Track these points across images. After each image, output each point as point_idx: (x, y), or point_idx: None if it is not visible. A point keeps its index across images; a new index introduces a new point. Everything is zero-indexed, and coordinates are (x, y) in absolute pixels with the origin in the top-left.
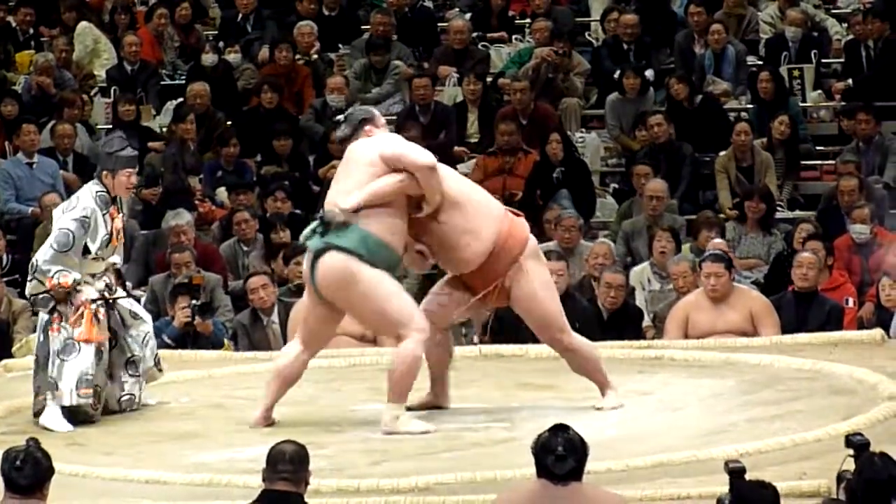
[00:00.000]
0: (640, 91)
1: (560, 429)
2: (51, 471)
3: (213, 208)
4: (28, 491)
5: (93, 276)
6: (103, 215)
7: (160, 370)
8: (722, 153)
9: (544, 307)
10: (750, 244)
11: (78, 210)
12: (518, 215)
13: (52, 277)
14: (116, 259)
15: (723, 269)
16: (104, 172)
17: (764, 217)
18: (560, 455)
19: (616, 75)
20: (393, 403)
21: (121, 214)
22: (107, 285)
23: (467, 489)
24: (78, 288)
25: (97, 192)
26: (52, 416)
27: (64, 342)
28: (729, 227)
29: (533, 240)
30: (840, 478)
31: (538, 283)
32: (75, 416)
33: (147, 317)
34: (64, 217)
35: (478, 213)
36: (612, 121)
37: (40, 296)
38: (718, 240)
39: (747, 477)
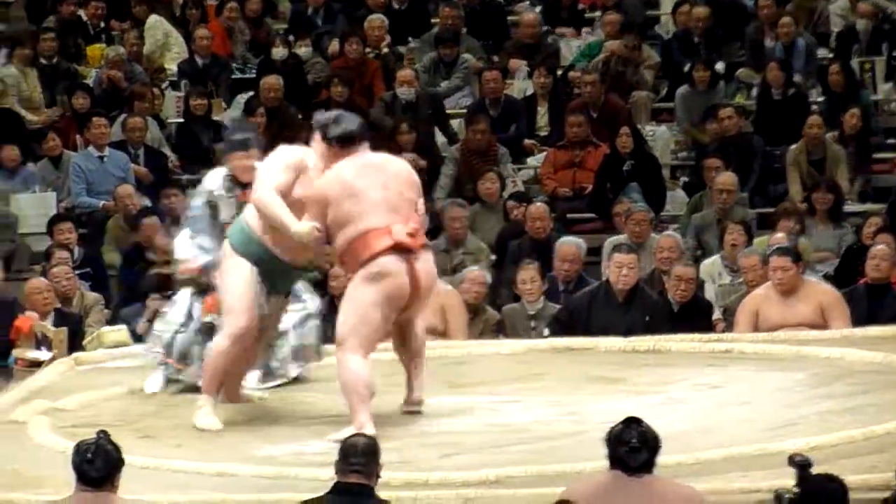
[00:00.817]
0: (710, 84)
1: (634, 421)
2: (121, 462)
3: None
4: (99, 483)
5: None
6: (229, 198)
7: (317, 353)
8: (793, 146)
9: (341, 314)
10: (820, 237)
11: (201, 194)
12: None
13: (184, 262)
14: None
15: (790, 262)
16: (225, 156)
17: (832, 209)
18: (634, 447)
19: (686, 68)
20: (202, 395)
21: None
22: None
23: (537, 482)
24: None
25: (224, 175)
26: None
27: (202, 323)
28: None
29: (377, 264)
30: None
31: (350, 292)
32: None
33: (310, 298)
34: (192, 201)
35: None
36: (682, 113)
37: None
38: (780, 234)
39: (816, 470)
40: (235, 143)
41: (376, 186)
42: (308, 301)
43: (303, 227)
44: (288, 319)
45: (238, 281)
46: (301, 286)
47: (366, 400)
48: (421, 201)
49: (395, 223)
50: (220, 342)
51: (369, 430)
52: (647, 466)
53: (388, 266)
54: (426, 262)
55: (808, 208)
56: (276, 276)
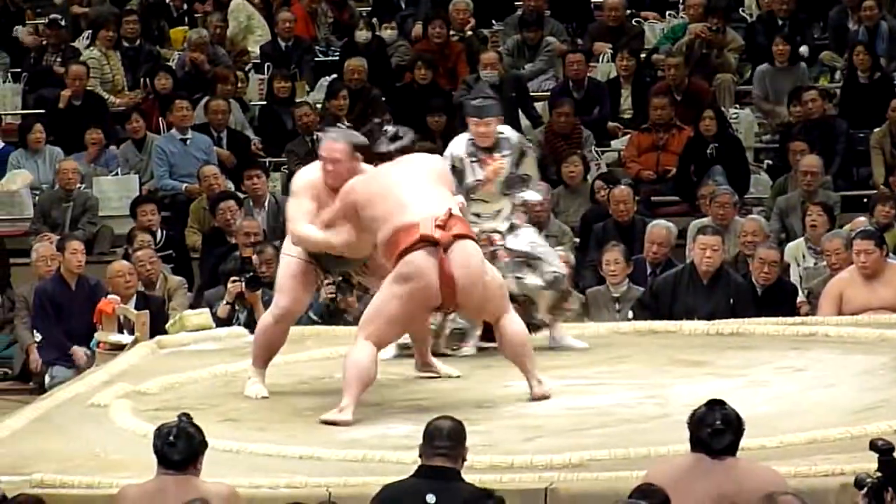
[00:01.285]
0: (791, 61)
1: (717, 403)
2: (204, 445)
3: None
4: (182, 465)
5: (477, 215)
6: (472, 162)
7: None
8: (877, 129)
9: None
10: None
11: (446, 159)
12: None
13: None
14: (529, 196)
15: (873, 245)
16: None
17: None
18: (718, 429)
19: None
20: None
21: (501, 157)
22: (495, 229)
23: (620, 465)
24: None
25: (468, 139)
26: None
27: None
28: None
29: (405, 262)
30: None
31: (382, 285)
32: None
33: (550, 256)
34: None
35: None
36: (760, 91)
37: None
38: (862, 218)
39: None
40: (470, 109)
41: (404, 183)
42: (549, 259)
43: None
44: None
45: (287, 270)
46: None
47: (354, 386)
48: (459, 196)
49: (425, 218)
50: (264, 319)
51: (346, 415)
52: (731, 449)
53: (415, 262)
54: (461, 254)
55: (890, 192)
56: (330, 262)
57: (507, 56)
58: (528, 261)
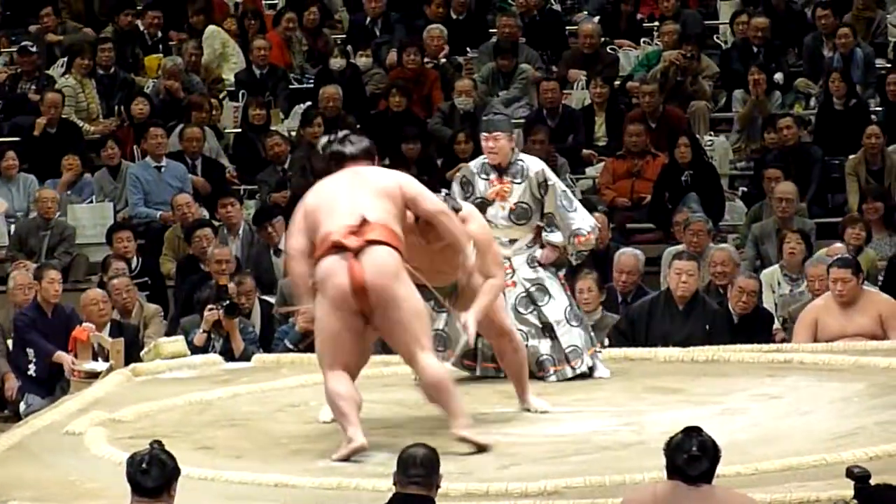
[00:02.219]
0: (767, 92)
1: (693, 430)
2: (177, 471)
3: None
4: (156, 493)
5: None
6: (482, 178)
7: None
8: (852, 156)
9: None
10: (876, 246)
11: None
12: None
13: None
14: (553, 238)
15: (850, 274)
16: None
17: (885, 217)
18: (694, 455)
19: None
20: None
21: (511, 182)
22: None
23: (596, 493)
24: None
25: (483, 158)
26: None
27: None
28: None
29: (319, 268)
30: None
31: None
32: None
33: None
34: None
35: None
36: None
37: None
38: (839, 244)
39: (876, 481)
40: (481, 124)
41: (341, 194)
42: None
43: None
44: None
45: None
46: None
47: (347, 414)
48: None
49: (341, 226)
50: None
51: (356, 442)
52: (707, 476)
53: (323, 266)
54: (371, 257)
55: (884, 216)
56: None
57: (482, 83)
58: (545, 328)
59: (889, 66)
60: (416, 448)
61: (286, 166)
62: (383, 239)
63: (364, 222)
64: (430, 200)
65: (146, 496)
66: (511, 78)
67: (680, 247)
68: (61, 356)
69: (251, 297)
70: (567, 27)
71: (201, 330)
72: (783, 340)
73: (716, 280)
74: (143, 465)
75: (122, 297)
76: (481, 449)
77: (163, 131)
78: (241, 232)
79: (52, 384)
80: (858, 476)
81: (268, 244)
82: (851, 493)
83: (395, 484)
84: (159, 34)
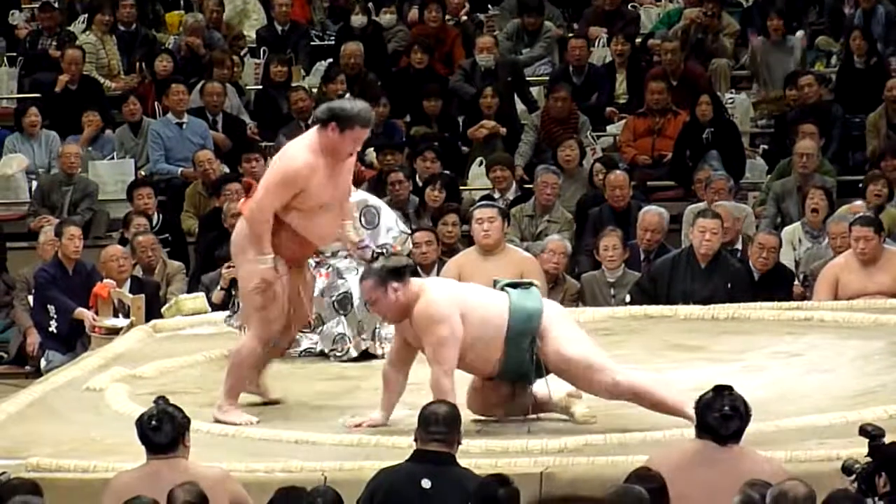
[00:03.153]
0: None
1: (725, 389)
2: (187, 421)
3: (362, 168)
4: (171, 447)
5: None
6: None
7: None
8: (872, 114)
9: None
10: None
11: None
12: None
13: None
14: None
15: (872, 232)
16: None
17: None
18: (726, 414)
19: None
20: None
21: None
22: None
23: (616, 450)
24: None
25: None
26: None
27: None
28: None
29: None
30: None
31: None
32: None
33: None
34: None
35: None
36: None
37: None
38: (859, 202)
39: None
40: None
41: None
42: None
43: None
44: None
45: None
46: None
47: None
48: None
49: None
50: None
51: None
52: (737, 436)
53: None
54: None
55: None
56: None
57: (506, 41)
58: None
59: None
60: (438, 405)
61: (309, 122)
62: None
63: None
64: (255, 194)
65: (162, 452)
66: (536, 36)
67: (702, 204)
68: (82, 312)
69: None
70: None
71: (220, 287)
72: (803, 297)
73: (641, 245)
74: (154, 423)
75: (146, 254)
76: None
77: (184, 88)
78: None
79: (72, 340)
80: (872, 434)
81: None
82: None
83: (415, 441)
84: None
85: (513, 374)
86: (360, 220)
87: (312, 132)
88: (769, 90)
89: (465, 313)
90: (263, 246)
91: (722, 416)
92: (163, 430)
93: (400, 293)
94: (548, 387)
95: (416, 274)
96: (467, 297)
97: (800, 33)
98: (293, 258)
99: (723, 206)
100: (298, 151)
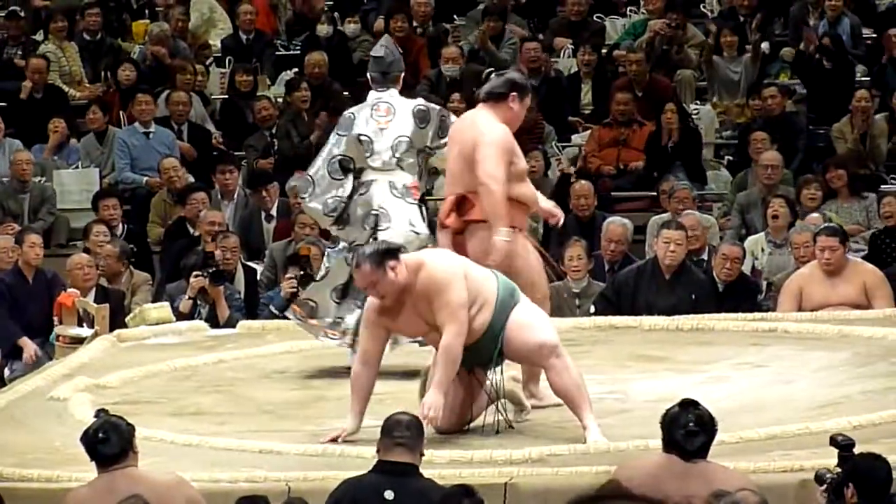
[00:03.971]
0: (739, 52)
1: (690, 404)
2: (132, 428)
3: None
4: (122, 457)
5: None
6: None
7: None
8: (836, 123)
9: None
10: (847, 213)
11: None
12: None
13: None
14: None
15: (837, 242)
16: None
17: (850, 184)
18: (691, 430)
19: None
20: None
21: None
22: None
23: (580, 460)
24: None
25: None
26: None
27: None
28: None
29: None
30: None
31: None
32: None
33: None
34: None
35: None
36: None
37: None
38: (815, 214)
39: (860, 450)
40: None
41: (451, 152)
42: None
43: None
44: None
45: None
46: None
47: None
48: (476, 168)
49: (450, 195)
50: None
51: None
52: (704, 450)
53: (440, 241)
54: (470, 240)
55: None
56: None
57: (470, 50)
58: None
59: (875, 36)
60: (402, 414)
61: (274, 131)
62: (482, 218)
63: (460, 199)
64: (483, 166)
65: (113, 463)
66: (499, 42)
67: (667, 215)
68: (25, 342)
69: (234, 255)
70: None
71: (187, 296)
72: (767, 309)
73: (606, 256)
74: (101, 435)
75: (112, 263)
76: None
77: (150, 97)
78: (235, 197)
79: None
80: (843, 444)
81: (260, 209)
82: (835, 461)
83: (378, 451)
84: None
85: (484, 350)
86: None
87: (481, 112)
88: (724, 100)
89: (466, 276)
90: (507, 220)
91: (687, 432)
92: (110, 440)
93: (398, 270)
94: (500, 378)
95: None
96: (465, 263)
97: (764, 44)
98: (521, 225)
99: (692, 216)
100: (492, 125)
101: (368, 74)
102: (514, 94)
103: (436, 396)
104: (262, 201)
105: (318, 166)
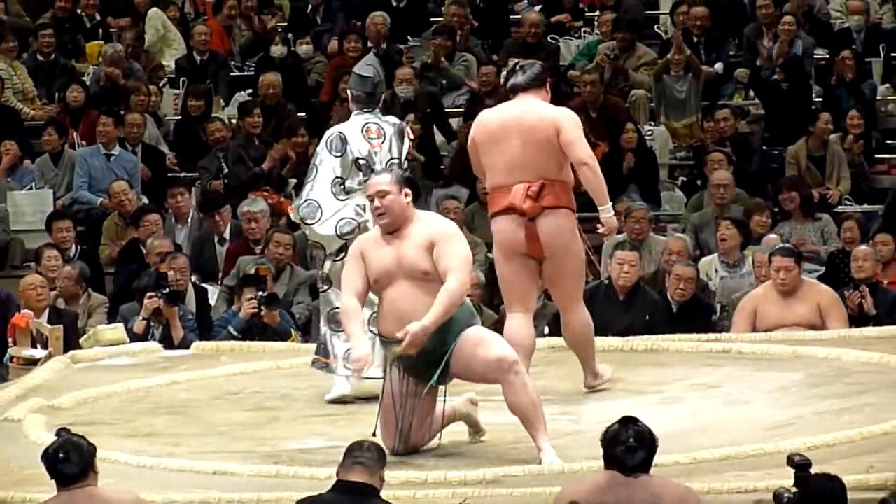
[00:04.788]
0: (686, 70)
1: (630, 421)
2: (94, 448)
3: (282, 199)
4: (82, 476)
5: None
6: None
7: None
8: (792, 146)
9: None
10: (801, 234)
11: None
12: None
13: None
14: None
15: (793, 263)
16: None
17: (803, 205)
18: (631, 446)
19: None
20: None
21: None
22: None
23: (534, 481)
24: None
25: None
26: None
27: None
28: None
29: (494, 224)
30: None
31: None
32: None
33: None
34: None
35: None
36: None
37: None
38: (773, 235)
39: (814, 470)
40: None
41: (508, 142)
42: None
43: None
44: None
45: None
46: None
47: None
48: (574, 152)
49: (518, 183)
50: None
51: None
52: (645, 466)
53: (501, 226)
54: (547, 224)
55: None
56: None
57: (424, 70)
58: None
59: (827, 57)
60: (365, 441)
61: (227, 153)
62: (557, 203)
63: (541, 186)
64: (581, 147)
65: (73, 482)
66: (450, 61)
67: (621, 236)
68: None
69: (185, 276)
70: (511, 16)
71: (141, 317)
72: (721, 330)
73: (668, 268)
74: (62, 454)
75: (70, 285)
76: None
77: (111, 119)
78: (189, 220)
79: None
80: (799, 464)
81: (213, 232)
82: (790, 481)
83: (337, 474)
84: (98, 18)
85: (433, 348)
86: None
87: (532, 99)
88: (671, 120)
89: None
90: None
91: (627, 448)
92: (71, 460)
93: (409, 201)
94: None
95: None
96: None
97: (718, 65)
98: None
99: (680, 239)
100: (559, 109)
101: (350, 92)
102: (550, 80)
103: (422, 327)
104: (214, 225)
105: (318, 189)
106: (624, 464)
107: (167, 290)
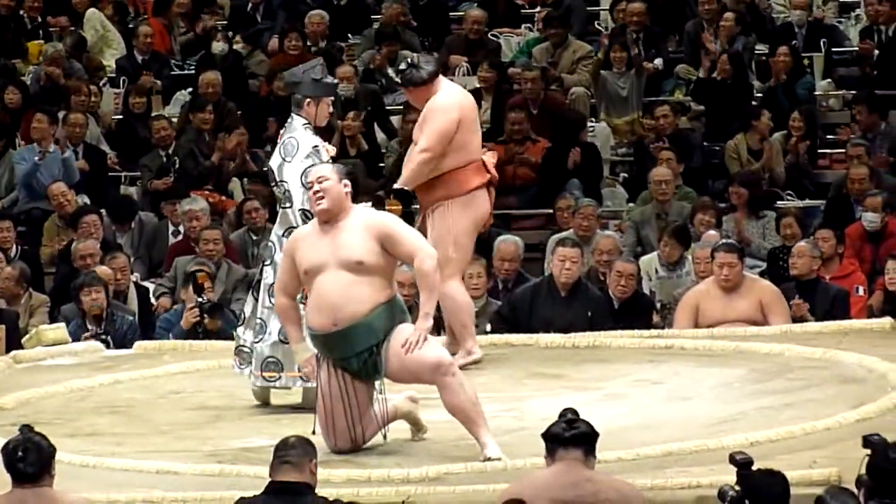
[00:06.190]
0: (628, 66)
1: (569, 410)
2: (53, 450)
3: (223, 199)
4: (37, 477)
5: None
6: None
7: None
8: (731, 141)
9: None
10: (745, 230)
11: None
12: None
13: None
14: None
15: (736, 259)
16: (307, 100)
17: (750, 202)
18: (570, 420)
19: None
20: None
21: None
22: None
23: (477, 479)
24: None
25: (304, 124)
26: None
27: None
28: (725, 218)
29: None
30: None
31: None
32: None
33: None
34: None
35: None
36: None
37: None
38: (712, 231)
39: (757, 466)
40: (329, 87)
41: (476, 123)
42: None
43: (301, 353)
44: None
45: None
46: None
47: (467, 325)
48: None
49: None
50: None
51: (477, 354)
52: (586, 439)
53: (482, 200)
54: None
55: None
56: None
57: (364, 70)
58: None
59: (768, 52)
60: (290, 437)
61: (171, 151)
62: None
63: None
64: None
65: (29, 481)
66: (394, 63)
67: (564, 233)
68: None
69: (125, 275)
70: (451, 13)
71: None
72: (662, 326)
73: (600, 267)
74: (20, 452)
75: (11, 286)
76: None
77: (46, 118)
78: (133, 223)
79: None
80: (741, 462)
81: (166, 224)
82: (732, 478)
83: (270, 473)
84: (39, 18)
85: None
86: None
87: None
88: (612, 116)
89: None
90: None
91: (567, 421)
92: (28, 459)
93: (348, 192)
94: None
95: None
96: None
97: (658, 60)
98: None
99: (610, 237)
100: None
101: (326, 98)
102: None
103: (427, 323)
104: (171, 214)
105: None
106: (562, 436)
107: (206, 302)
